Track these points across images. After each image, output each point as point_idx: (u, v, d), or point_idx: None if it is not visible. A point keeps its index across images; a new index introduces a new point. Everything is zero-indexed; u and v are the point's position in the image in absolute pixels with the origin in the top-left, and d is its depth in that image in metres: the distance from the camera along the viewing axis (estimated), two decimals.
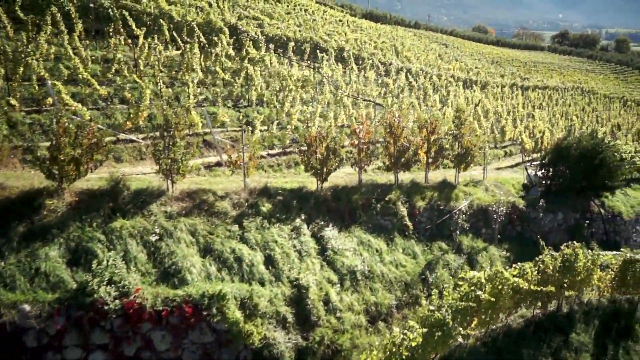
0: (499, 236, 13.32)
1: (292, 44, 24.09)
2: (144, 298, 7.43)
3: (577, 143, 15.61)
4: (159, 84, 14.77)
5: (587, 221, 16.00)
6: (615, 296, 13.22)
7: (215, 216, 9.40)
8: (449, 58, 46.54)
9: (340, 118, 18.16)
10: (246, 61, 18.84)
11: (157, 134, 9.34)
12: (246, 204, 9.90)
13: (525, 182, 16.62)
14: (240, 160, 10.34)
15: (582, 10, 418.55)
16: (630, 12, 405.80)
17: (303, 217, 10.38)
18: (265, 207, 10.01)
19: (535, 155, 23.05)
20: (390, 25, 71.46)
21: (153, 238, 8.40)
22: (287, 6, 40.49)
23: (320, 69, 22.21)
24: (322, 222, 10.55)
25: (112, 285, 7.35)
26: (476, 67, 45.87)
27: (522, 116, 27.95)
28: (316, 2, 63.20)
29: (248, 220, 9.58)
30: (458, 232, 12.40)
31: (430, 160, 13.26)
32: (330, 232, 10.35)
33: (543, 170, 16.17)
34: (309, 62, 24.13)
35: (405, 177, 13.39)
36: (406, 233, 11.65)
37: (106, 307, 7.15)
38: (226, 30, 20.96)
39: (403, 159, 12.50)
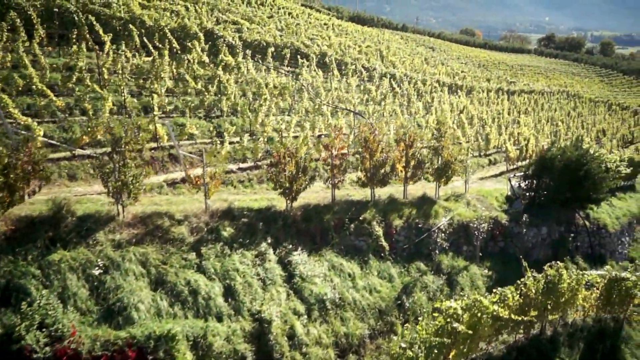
0: (480, 254, 12.73)
1: (271, 49, 23.39)
2: (81, 342, 6.64)
3: (562, 154, 15.12)
4: (123, 94, 13.95)
5: (572, 234, 15.53)
6: (601, 315, 12.71)
7: (171, 243, 8.62)
8: (435, 62, 46.21)
9: (318, 127, 17.48)
10: (220, 68, 18.06)
11: (108, 151, 8.55)
12: (206, 229, 9.14)
13: (509, 194, 16.09)
14: (201, 180, 9.57)
15: (568, 13, 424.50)
16: (615, 15, 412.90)
17: (269, 241, 9.64)
18: (227, 231, 9.26)
19: (520, 164, 22.62)
20: (378, 29, 71.12)
21: (96, 271, 7.60)
22: (271, 9, 39.80)
23: (299, 76, 21.51)
24: (291, 246, 9.83)
25: (44, 330, 6.55)
26: (462, 72, 45.59)
27: (507, 122, 27.55)
28: (302, 5, 62.67)
29: (207, 247, 8.81)
30: (437, 251, 11.78)
31: (408, 174, 12.63)
32: (299, 257, 9.64)
33: (527, 182, 15.66)
34: (288, 68, 23.42)
35: (382, 191, 12.74)
36: (382, 254, 10.99)
37: (35, 356, 6.35)
38: (201, 35, 20.17)
39: (379, 175, 11.84)
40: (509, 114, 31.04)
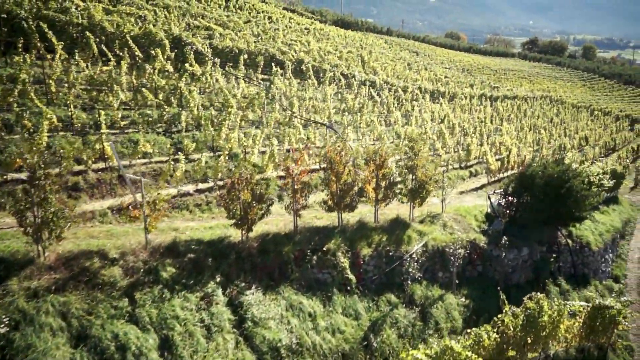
0: (457, 281, 11.86)
1: (244, 56, 22.34)
2: None
3: (543, 171, 14.38)
4: (70, 108, 12.78)
5: (554, 254, 14.79)
6: (584, 344, 11.95)
7: (99, 289, 7.53)
8: (418, 67, 45.62)
9: (288, 141, 16.49)
10: (185, 78, 16.96)
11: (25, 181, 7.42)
12: (143, 269, 8.06)
13: (489, 211, 15.30)
14: (140, 211, 8.50)
15: (550, 16, 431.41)
16: (595, 19, 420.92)
17: (219, 280, 8.60)
18: (168, 271, 8.20)
19: (502, 175, 21.95)
20: (362, 32, 70.54)
21: (2, 329, 6.48)
22: (249, 14, 38.74)
23: (272, 85, 20.49)
24: (244, 284, 8.81)
25: None
26: (446, 77, 45.08)
27: (489, 131, 26.92)
28: (284, 9, 61.74)
29: (142, 292, 7.74)
30: (410, 280, 10.86)
31: (379, 197, 11.70)
32: (252, 297, 8.62)
33: (507, 200, 14.89)
34: (262, 76, 22.37)
35: (352, 215, 11.80)
36: (348, 288, 10.03)
37: None
38: (167, 42, 19.03)
39: (347, 199, 10.89)
40: (491, 121, 30.47)
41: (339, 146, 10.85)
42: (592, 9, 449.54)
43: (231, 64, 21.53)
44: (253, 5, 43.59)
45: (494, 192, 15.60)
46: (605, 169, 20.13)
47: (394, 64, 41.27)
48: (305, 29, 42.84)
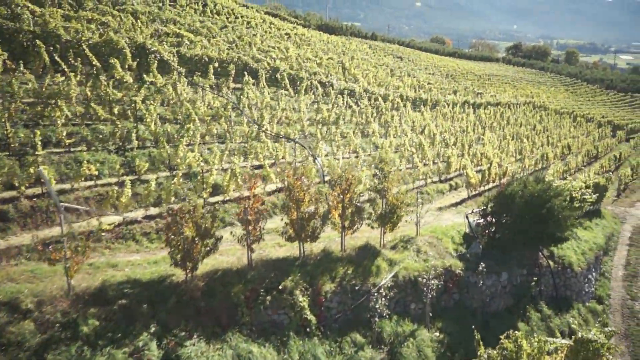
0: (431, 314, 10.94)
1: (215, 65, 21.28)
2: None
3: (523, 189, 13.59)
4: (5, 126, 11.58)
5: (535, 277, 14.01)
6: None
7: (4, 351, 6.40)
8: (401, 73, 45.01)
9: (257, 157, 15.49)
10: (143, 90, 15.83)
11: None
12: (61, 322, 6.95)
13: (467, 231, 14.47)
14: (60, 254, 7.37)
15: (534, 21, 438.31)
16: (577, 24, 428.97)
17: (153, 330, 7.52)
18: (91, 323, 7.09)
19: (483, 188, 21.22)
20: (346, 37, 69.87)
21: None
22: (227, 19, 37.65)
23: (243, 95, 19.45)
24: (184, 333, 7.74)
25: None
26: (429, 83, 44.53)
27: (470, 141, 26.24)
28: (266, 13, 60.77)
29: (56, 352, 6.63)
30: (378, 317, 9.90)
31: (346, 223, 10.74)
32: (193, 348, 7.56)
33: (486, 220, 14.08)
34: (234, 86, 21.31)
35: (316, 244, 10.80)
36: (307, 329, 9.02)
37: None
38: (127, 51, 17.85)
39: (309, 228, 9.90)
40: (473, 130, 29.84)
41: (300, 168, 9.86)
42: (574, 14, 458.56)
43: (199, 73, 20.43)
44: (232, 10, 42.52)
45: (472, 212, 14.77)
46: (588, 182, 19.51)
47: (376, 70, 40.55)
48: (286, 34, 41.90)
